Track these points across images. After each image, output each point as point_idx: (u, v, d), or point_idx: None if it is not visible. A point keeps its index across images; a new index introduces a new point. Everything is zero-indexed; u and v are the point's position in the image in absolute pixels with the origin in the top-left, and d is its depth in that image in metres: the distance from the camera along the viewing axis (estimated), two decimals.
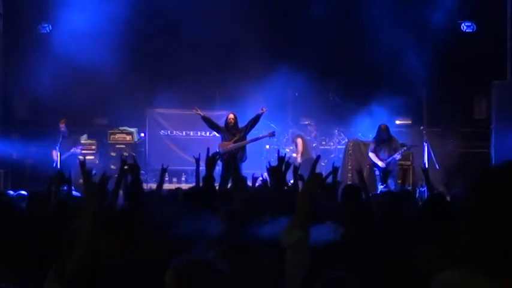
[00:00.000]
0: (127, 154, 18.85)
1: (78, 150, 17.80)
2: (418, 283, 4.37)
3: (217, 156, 7.61)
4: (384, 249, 5.08)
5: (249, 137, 16.71)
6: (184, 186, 13.49)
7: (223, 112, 17.46)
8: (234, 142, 16.34)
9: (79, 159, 10.45)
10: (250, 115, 16.69)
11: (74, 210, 7.11)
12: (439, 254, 4.59)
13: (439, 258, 4.54)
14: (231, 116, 16.63)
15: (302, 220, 5.05)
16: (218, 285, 3.37)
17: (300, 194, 5.49)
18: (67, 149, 17.11)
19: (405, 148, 16.64)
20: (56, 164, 16.70)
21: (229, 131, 16.50)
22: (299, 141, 18.48)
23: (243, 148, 16.45)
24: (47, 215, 6.86)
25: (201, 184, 8.02)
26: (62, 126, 17.52)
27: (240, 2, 19.52)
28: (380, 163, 15.99)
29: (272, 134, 17.08)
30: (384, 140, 16.25)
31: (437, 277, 2.86)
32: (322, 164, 19.14)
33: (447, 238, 4.67)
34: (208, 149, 7.43)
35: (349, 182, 17.04)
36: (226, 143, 16.38)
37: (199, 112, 16.85)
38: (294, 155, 18.06)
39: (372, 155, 16.24)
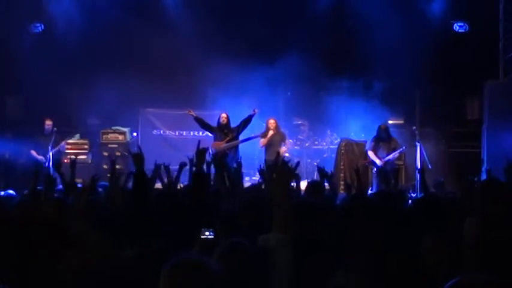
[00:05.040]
0: (119, 154, 18.83)
1: (62, 143, 17.84)
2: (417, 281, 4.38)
3: (207, 151, 7.51)
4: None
5: (241, 137, 16.74)
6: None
7: (216, 112, 17.45)
8: (227, 142, 16.37)
9: (70, 158, 10.42)
10: (243, 115, 16.71)
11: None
12: (445, 247, 4.59)
13: (445, 251, 4.54)
14: (224, 115, 16.66)
15: (280, 221, 5.03)
16: (211, 285, 3.38)
17: (272, 192, 5.45)
18: (46, 147, 17.11)
19: (401, 149, 16.67)
20: (44, 163, 16.76)
21: (222, 130, 16.54)
22: (271, 121, 17.25)
23: (236, 148, 16.48)
24: (39, 214, 6.81)
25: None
26: (49, 125, 17.51)
27: (232, 0, 19.55)
28: (378, 161, 16.05)
29: (263, 134, 17.05)
30: (383, 139, 16.33)
31: (460, 280, 2.85)
32: (315, 163, 19.15)
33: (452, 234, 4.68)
34: (199, 142, 7.36)
35: (341, 182, 17.08)
36: (218, 142, 16.41)
37: (192, 113, 16.88)
38: (262, 140, 17.10)
39: (370, 153, 16.31)
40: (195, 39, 19.02)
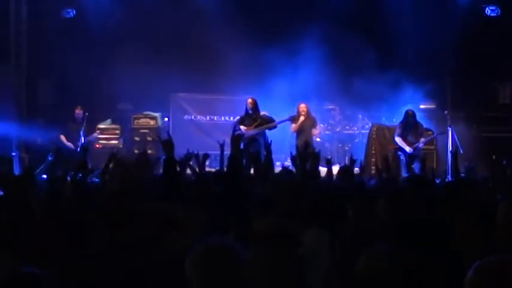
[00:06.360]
0: (151, 139, 18.93)
1: (95, 134, 18.03)
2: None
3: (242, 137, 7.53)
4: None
5: None
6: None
7: (246, 97, 17.42)
8: (255, 127, 16.34)
9: (112, 150, 10.67)
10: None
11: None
12: (474, 232, 4.58)
13: (474, 236, 4.53)
14: (250, 100, 16.64)
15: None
16: (238, 271, 3.38)
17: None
18: (77, 134, 17.26)
19: (433, 135, 16.72)
20: (75, 150, 16.91)
21: (249, 116, 16.52)
22: (302, 106, 17.27)
23: (263, 133, 16.44)
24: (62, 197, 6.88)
25: (225, 166, 7.97)
26: (79, 113, 17.68)
27: None
28: (407, 148, 16.05)
29: (294, 118, 17.01)
30: (410, 125, 16.35)
31: (482, 263, 2.86)
32: (346, 148, 19.12)
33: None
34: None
35: (372, 167, 17.04)
36: (247, 127, 16.39)
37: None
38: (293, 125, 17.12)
39: (398, 140, 16.30)
40: (225, 24, 18.99)
